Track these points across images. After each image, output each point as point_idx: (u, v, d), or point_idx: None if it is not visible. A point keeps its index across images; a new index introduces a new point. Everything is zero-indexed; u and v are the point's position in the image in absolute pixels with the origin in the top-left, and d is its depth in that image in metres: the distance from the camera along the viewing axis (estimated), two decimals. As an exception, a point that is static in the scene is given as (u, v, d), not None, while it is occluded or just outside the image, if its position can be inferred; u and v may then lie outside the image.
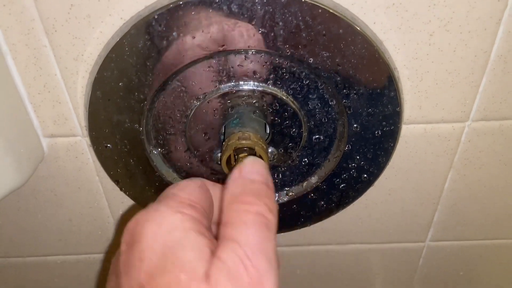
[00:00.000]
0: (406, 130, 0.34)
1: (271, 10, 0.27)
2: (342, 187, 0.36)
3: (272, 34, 0.28)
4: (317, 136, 0.34)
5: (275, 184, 0.37)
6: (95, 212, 0.40)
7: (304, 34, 0.28)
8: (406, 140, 0.35)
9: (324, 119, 0.33)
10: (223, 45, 0.29)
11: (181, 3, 0.27)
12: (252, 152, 0.31)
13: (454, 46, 0.29)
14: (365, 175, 0.35)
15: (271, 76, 0.31)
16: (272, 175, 0.37)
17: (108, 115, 0.31)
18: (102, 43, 0.29)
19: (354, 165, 0.35)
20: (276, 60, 0.30)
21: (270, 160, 0.36)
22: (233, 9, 0.27)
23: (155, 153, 0.35)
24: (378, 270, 0.47)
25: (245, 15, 0.27)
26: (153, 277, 0.20)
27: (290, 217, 0.39)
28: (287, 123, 0.33)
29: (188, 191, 0.24)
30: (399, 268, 0.47)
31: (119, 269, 0.22)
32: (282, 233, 0.42)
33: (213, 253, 0.21)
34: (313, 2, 0.27)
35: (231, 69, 0.31)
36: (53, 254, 0.44)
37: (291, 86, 0.31)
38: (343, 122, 0.33)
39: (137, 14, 0.28)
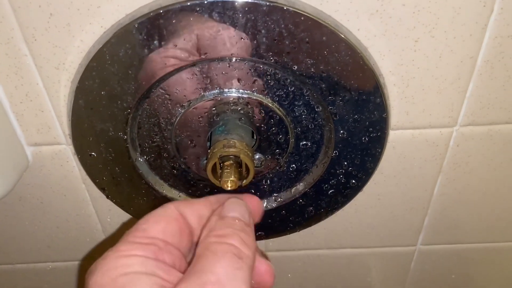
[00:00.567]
0: (394, 136, 0.34)
1: (253, 18, 0.27)
2: (330, 192, 0.36)
3: (255, 42, 0.28)
4: (304, 142, 0.34)
5: (264, 190, 0.37)
6: (83, 219, 0.39)
7: (287, 42, 0.28)
8: (394, 146, 0.35)
9: (311, 126, 0.33)
10: (206, 53, 0.28)
11: (161, 11, 0.26)
12: (237, 159, 0.31)
13: (440, 52, 0.29)
14: (353, 181, 0.35)
15: (256, 83, 0.31)
16: (260, 181, 0.36)
17: (92, 123, 0.31)
18: (83, 51, 0.29)
19: (342, 171, 0.35)
20: (260, 68, 0.30)
21: (257, 166, 0.35)
22: (214, 17, 0.27)
23: (140, 161, 0.34)
24: (370, 274, 0.47)
25: (227, 23, 0.27)
26: None
27: (279, 223, 0.38)
28: (273, 130, 0.33)
29: (151, 224, 0.23)
30: (391, 272, 0.47)
31: None
32: (272, 239, 0.42)
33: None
34: (295, 10, 0.26)
35: (215, 76, 0.30)
36: (42, 261, 0.44)
37: (277, 93, 0.31)
38: (330, 128, 0.33)
39: (117, 23, 0.27)
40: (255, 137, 0.34)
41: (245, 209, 0.25)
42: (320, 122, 0.33)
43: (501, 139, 0.34)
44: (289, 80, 0.30)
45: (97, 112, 0.30)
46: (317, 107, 0.32)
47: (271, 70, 0.30)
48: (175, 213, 0.24)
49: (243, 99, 0.31)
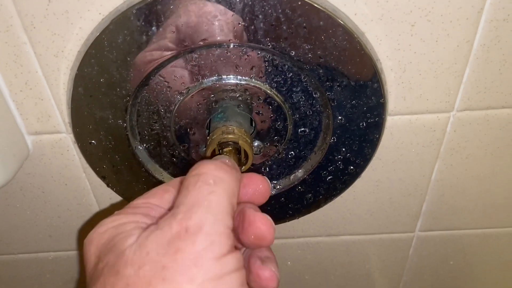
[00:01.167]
0: (392, 121, 0.34)
1: (250, 3, 0.27)
2: (329, 179, 0.36)
3: (252, 27, 0.28)
4: (302, 129, 0.34)
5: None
6: (84, 208, 0.40)
7: (284, 27, 0.28)
8: (391, 132, 0.35)
9: (309, 112, 0.33)
10: (204, 39, 0.28)
11: (159, -3, 0.26)
12: (236, 146, 0.31)
13: (436, 36, 0.29)
14: (351, 167, 0.36)
15: (254, 69, 0.31)
16: (259, 168, 0.37)
17: (91, 111, 0.31)
18: (81, 39, 0.29)
19: (340, 157, 0.35)
20: (258, 54, 0.30)
21: (256, 153, 0.36)
22: (212, 2, 0.27)
23: (140, 149, 0.35)
24: (368, 261, 0.48)
25: (225, 8, 0.27)
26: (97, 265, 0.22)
27: (279, 210, 0.39)
28: (272, 117, 0.33)
29: (142, 196, 0.25)
30: (390, 258, 0.47)
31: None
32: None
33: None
34: (292, -6, 0.27)
35: (213, 63, 0.30)
36: (44, 251, 0.44)
37: (275, 79, 0.31)
38: (328, 114, 0.33)
39: (115, 9, 0.28)
40: (254, 124, 0.34)
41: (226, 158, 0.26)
42: (318, 109, 0.33)
43: (498, 123, 0.35)
44: (287, 66, 0.31)
45: (96, 99, 0.31)
46: (315, 93, 0.32)
47: (269, 56, 0.30)
48: (163, 188, 0.26)
49: (241, 85, 0.32)
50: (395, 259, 0.47)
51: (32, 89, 0.31)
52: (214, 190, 0.22)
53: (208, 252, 0.20)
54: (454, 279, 0.50)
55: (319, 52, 0.29)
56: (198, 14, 0.27)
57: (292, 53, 0.29)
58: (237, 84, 0.32)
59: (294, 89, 0.32)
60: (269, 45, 0.29)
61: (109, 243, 0.22)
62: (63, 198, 0.39)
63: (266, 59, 0.30)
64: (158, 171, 0.36)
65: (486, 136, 0.35)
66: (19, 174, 0.37)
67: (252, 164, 0.35)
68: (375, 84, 0.31)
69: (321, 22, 0.28)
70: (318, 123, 0.34)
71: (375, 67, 0.30)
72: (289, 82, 0.32)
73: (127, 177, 0.36)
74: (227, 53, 0.30)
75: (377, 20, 0.29)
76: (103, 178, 0.36)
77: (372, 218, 0.42)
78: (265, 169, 0.37)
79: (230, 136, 0.31)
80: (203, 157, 0.35)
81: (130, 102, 0.31)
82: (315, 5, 0.27)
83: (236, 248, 0.23)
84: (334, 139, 0.34)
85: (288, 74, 0.31)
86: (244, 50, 0.30)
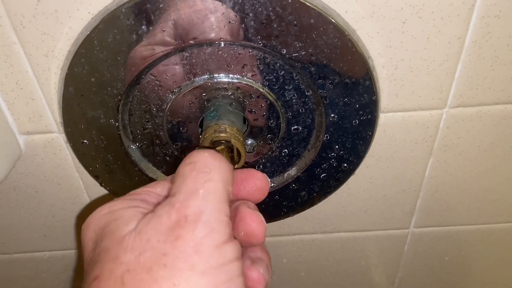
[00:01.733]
0: (384, 119, 0.34)
1: (240, 1, 0.27)
2: (323, 176, 0.36)
3: (243, 25, 0.28)
4: (295, 127, 0.34)
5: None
6: (78, 207, 0.40)
7: (275, 25, 0.28)
8: (384, 129, 0.35)
9: (302, 110, 0.33)
10: (194, 38, 0.28)
11: (148, -4, 0.26)
12: (228, 144, 0.31)
13: (428, 33, 0.29)
14: (345, 164, 0.35)
15: (246, 67, 0.31)
16: (253, 166, 0.37)
17: (83, 111, 0.31)
18: (71, 38, 0.29)
19: (333, 155, 0.35)
20: (250, 52, 0.30)
21: (249, 152, 0.35)
22: (202, 1, 0.27)
23: (133, 148, 0.35)
24: (364, 257, 0.48)
25: (215, 7, 0.27)
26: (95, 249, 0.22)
27: (273, 208, 0.39)
28: (264, 115, 0.33)
29: (142, 186, 0.25)
30: (385, 255, 0.47)
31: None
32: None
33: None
34: (282, -8, 0.26)
35: (205, 61, 0.30)
36: (40, 250, 0.44)
37: (266, 78, 0.31)
38: (321, 112, 0.33)
39: (105, 8, 0.27)
40: (246, 122, 0.34)
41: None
42: (311, 106, 0.33)
43: (490, 120, 0.35)
44: (278, 64, 0.31)
45: (87, 99, 0.31)
46: (307, 91, 0.32)
47: (260, 54, 0.30)
48: (163, 180, 0.26)
49: (233, 84, 0.31)
50: (390, 256, 0.47)
51: (23, 89, 0.31)
52: (210, 178, 0.22)
53: (209, 240, 0.20)
54: (449, 275, 0.50)
55: (310, 50, 0.29)
56: (188, 13, 0.27)
57: (283, 51, 0.29)
58: (229, 83, 0.31)
59: (286, 87, 0.32)
60: (260, 43, 0.29)
61: (106, 228, 0.22)
62: (57, 198, 0.39)
63: (257, 57, 0.30)
64: (151, 170, 0.36)
65: (479, 132, 0.35)
66: (12, 174, 0.36)
67: (246, 162, 0.35)
68: (367, 82, 0.30)
69: (312, 20, 0.27)
70: (311, 121, 0.34)
71: (367, 65, 0.30)
72: (281, 80, 0.31)
73: (120, 177, 0.36)
74: (218, 51, 0.30)
75: (368, 18, 0.28)
76: (96, 177, 0.36)
77: (366, 215, 0.42)
78: (258, 167, 0.37)
79: (222, 134, 0.31)
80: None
81: (122, 101, 0.31)
82: (306, 3, 0.27)
83: None
84: (327, 136, 0.34)
85: (280, 72, 0.31)
86: (235, 48, 0.30)
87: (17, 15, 0.28)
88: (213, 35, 0.28)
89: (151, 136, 0.34)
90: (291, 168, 0.37)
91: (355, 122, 0.33)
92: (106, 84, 0.30)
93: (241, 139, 0.32)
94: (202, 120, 0.33)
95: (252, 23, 0.28)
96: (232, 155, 0.32)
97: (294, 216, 0.40)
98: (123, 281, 0.19)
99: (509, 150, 0.37)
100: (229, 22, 0.28)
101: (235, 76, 0.31)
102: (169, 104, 0.32)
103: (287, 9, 0.27)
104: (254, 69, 0.31)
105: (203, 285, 0.19)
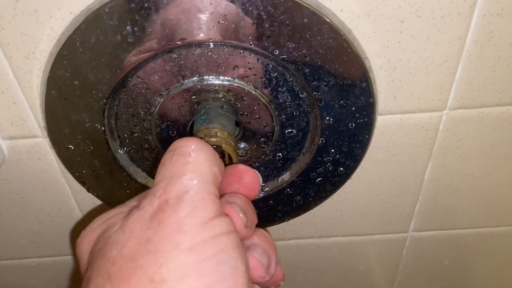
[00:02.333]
0: (382, 121, 0.33)
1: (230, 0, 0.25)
2: (318, 181, 0.35)
3: (233, 26, 0.26)
4: (289, 130, 0.33)
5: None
6: (65, 213, 0.38)
7: (266, 25, 0.26)
8: (382, 131, 0.34)
9: (296, 113, 0.32)
10: (182, 38, 0.27)
11: (132, -6, 0.25)
12: (219, 149, 0.30)
13: (427, 33, 0.28)
14: (341, 168, 0.34)
15: (237, 69, 0.29)
16: (246, 170, 0.35)
17: (66, 115, 0.30)
18: (53, 39, 0.27)
19: (329, 159, 0.34)
20: (240, 53, 0.29)
21: (242, 156, 0.34)
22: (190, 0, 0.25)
23: (121, 153, 0.33)
24: (362, 262, 0.47)
25: (203, 6, 0.26)
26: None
27: (267, 213, 0.38)
28: (257, 118, 0.32)
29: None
30: (383, 260, 0.46)
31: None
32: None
33: None
34: (274, -10, 0.25)
35: (194, 63, 0.29)
36: (27, 257, 0.43)
37: (259, 79, 0.30)
38: (316, 115, 0.31)
39: (87, 8, 0.26)
40: (239, 126, 0.33)
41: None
42: (305, 109, 0.32)
43: (492, 122, 0.33)
44: (271, 66, 0.29)
45: (71, 102, 0.29)
46: (302, 93, 0.31)
47: (252, 55, 0.29)
48: None
49: (224, 86, 0.30)
50: (388, 260, 0.46)
51: (4, 93, 0.30)
52: (191, 160, 0.22)
53: (192, 218, 0.20)
54: (449, 279, 0.49)
55: (304, 51, 0.28)
56: (175, 12, 0.26)
57: (276, 52, 0.28)
58: (219, 85, 0.30)
59: (279, 89, 0.30)
60: (251, 44, 0.27)
61: (99, 238, 0.22)
62: (43, 204, 0.38)
63: (249, 59, 0.29)
64: (140, 175, 0.35)
65: (480, 134, 0.34)
66: (-4, 180, 0.35)
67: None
68: (364, 83, 0.29)
69: (305, 19, 0.26)
70: (305, 124, 0.32)
71: (363, 66, 0.28)
72: (274, 82, 0.30)
73: (108, 182, 0.34)
74: (208, 52, 0.28)
75: (365, 17, 0.27)
76: (83, 183, 0.34)
77: (364, 219, 0.41)
78: (252, 171, 0.36)
79: (213, 139, 0.29)
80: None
81: (108, 105, 0.30)
82: (299, 2, 0.25)
83: None
84: (322, 140, 0.32)
85: (273, 73, 0.30)
86: (226, 49, 0.28)
87: (-5, 15, 0.26)
88: (202, 35, 0.27)
89: (140, 140, 0.33)
90: (286, 173, 0.36)
91: (352, 125, 0.31)
92: (90, 87, 0.28)
93: (233, 143, 0.30)
94: (193, 123, 0.32)
95: (242, 23, 0.26)
96: (224, 160, 0.31)
97: (289, 221, 0.39)
98: (109, 275, 0.19)
99: (511, 153, 0.36)
100: (219, 22, 0.26)
101: (226, 78, 0.30)
102: (157, 108, 0.31)
103: (279, 8, 0.26)
104: (245, 70, 0.29)
105: (191, 260, 0.19)
